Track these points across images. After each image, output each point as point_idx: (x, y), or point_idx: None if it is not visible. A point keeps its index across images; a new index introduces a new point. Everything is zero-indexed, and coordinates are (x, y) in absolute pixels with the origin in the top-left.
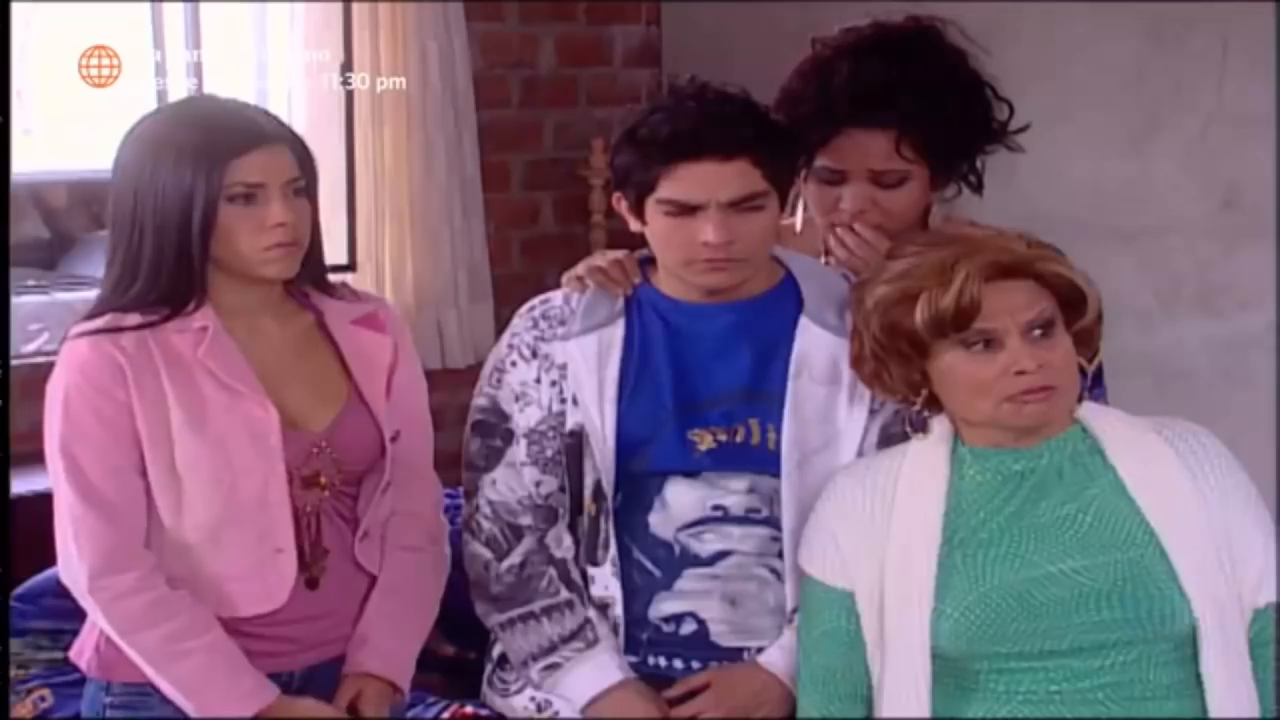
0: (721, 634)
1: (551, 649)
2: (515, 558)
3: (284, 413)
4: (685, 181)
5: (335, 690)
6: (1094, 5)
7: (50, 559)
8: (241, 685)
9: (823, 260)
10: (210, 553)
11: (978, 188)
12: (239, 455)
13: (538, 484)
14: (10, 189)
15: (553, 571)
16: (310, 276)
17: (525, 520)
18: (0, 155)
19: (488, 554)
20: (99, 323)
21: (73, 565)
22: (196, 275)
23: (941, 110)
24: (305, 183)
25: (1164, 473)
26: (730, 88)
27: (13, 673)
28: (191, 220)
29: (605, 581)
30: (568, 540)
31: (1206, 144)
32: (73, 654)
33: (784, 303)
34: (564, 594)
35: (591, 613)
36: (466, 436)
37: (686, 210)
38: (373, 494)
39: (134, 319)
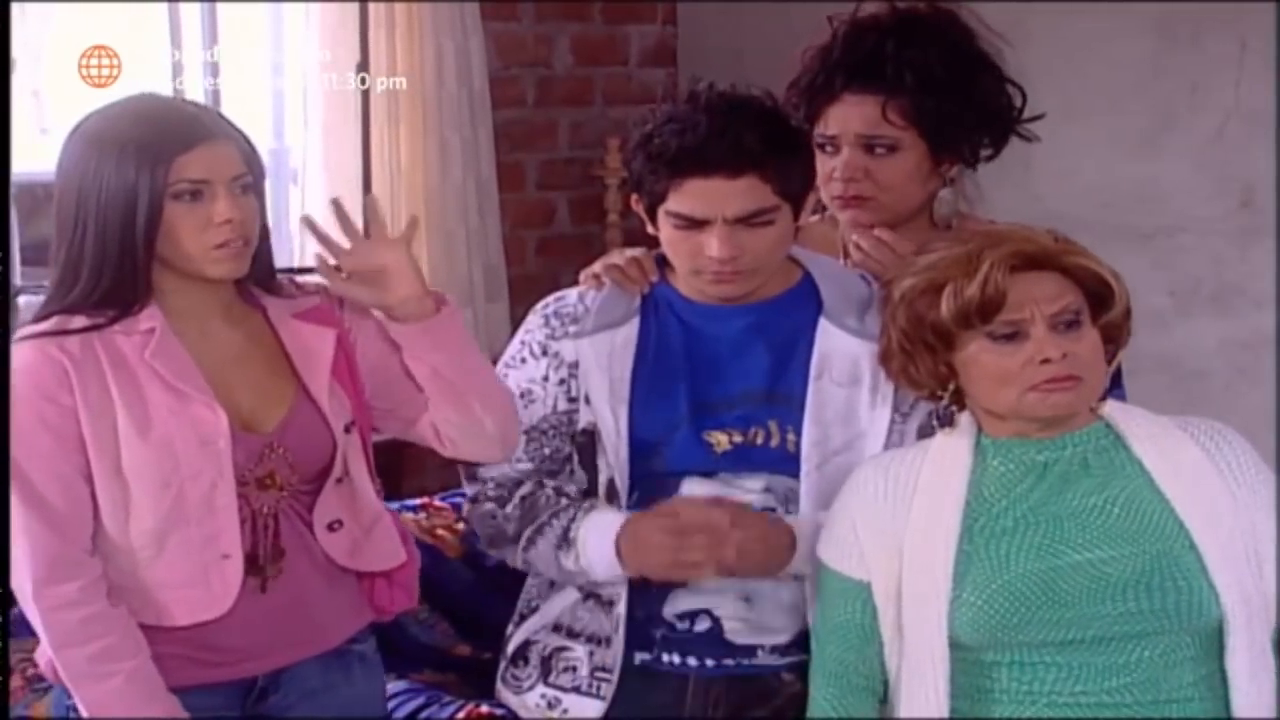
0: (735, 631)
1: (565, 535)
2: (520, 491)
3: (236, 414)
4: (692, 197)
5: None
6: (1109, 4)
7: None
8: (149, 713)
9: (841, 259)
10: (155, 558)
11: (973, 163)
12: (186, 458)
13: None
14: (11, 189)
15: (551, 492)
16: (258, 276)
17: (526, 478)
18: (0, 156)
19: (493, 505)
20: (44, 326)
21: (19, 572)
22: (141, 274)
23: (930, 77)
24: (253, 180)
25: (1191, 467)
26: (754, 90)
27: (30, 671)
28: (136, 217)
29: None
30: (574, 489)
31: (1223, 143)
32: (37, 655)
33: (802, 304)
34: (564, 502)
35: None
36: None
37: (694, 223)
38: (324, 486)
39: (80, 321)
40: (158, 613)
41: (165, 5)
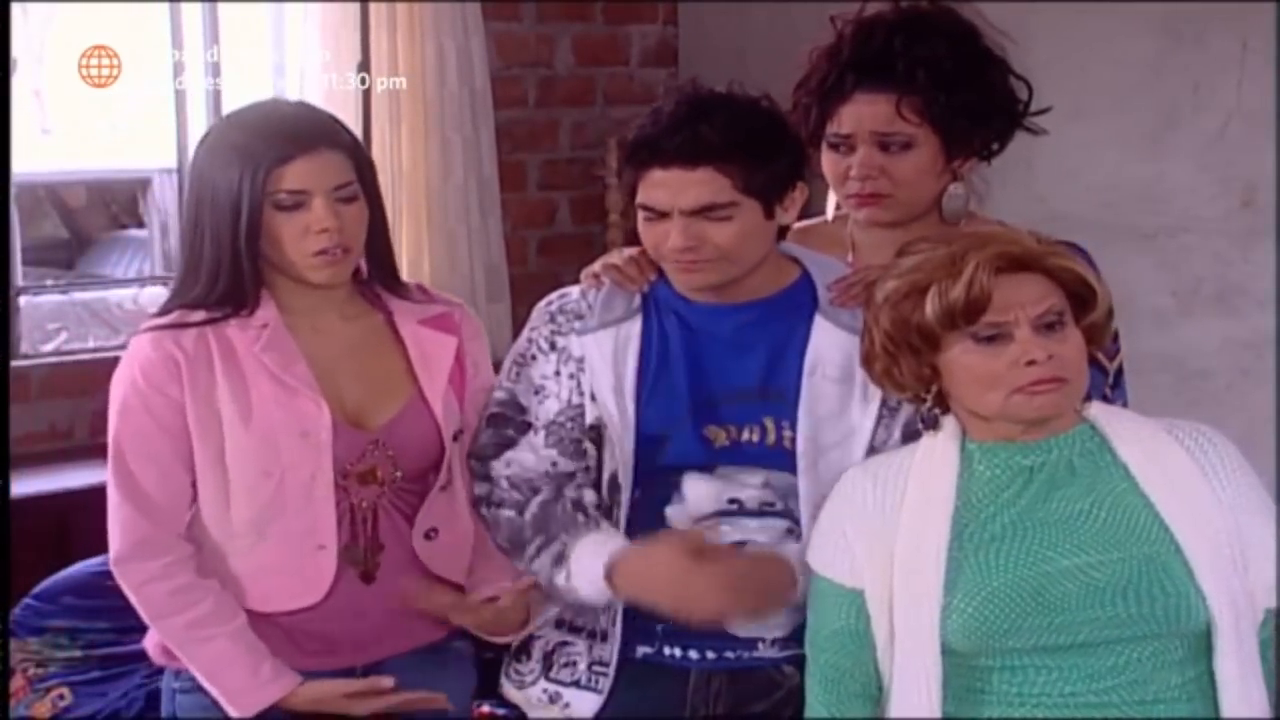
0: (736, 624)
1: (561, 553)
2: (538, 499)
3: (343, 409)
4: (653, 188)
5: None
6: (1111, 4)
7: (67, 558)
8: (261, 673)
9: (849, 256)
10: (253, 546)
11: (987, 157)
12: (288, 450)
13: (554, 464)
14: (11, 189)
15: (568, 505)
16: (380, 276)
17: (543, 483)
18: (1, 157)
19: (512, 512)
20: (165, 319)
21: (111, 548)
22: (250, 277)
23: (941, 73)
24: (362, 188)
25: (1176, 471)
26: (750, 91)
27: (32, 670)
28: (239, 224)
29: None
30: (590, 496)
31: (1225, 143)
32: (146, 642)
33: (798, 302)
34: (580, 519)
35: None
36: (479, 427)
37: (658, 215)
38: (429, 492)
39: (199, 315)
40: (252, 600)
41: (166, 5)
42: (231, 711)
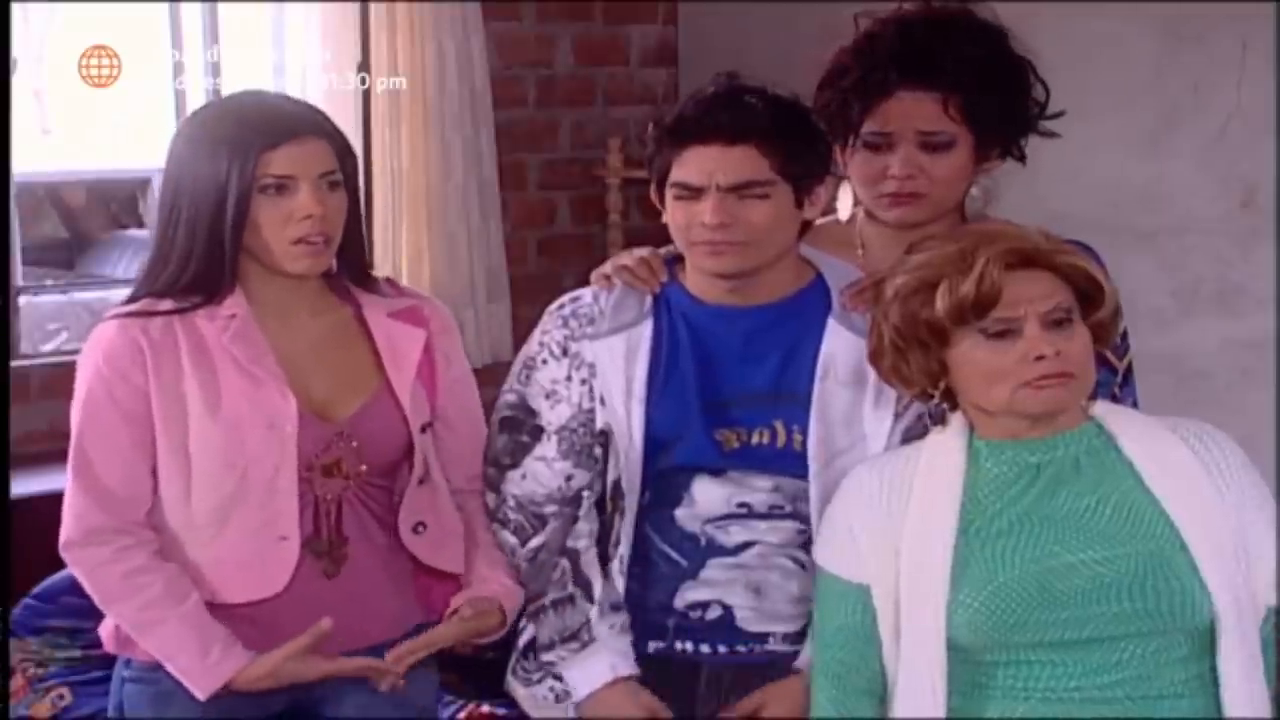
0: (746, 619)
1: (552, 645)
2: (536, 540)
3: (309, 402)
4: (691, 164)
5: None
6: (1112, 4)
7: None
8: (210, 654)
9: (859, 253)
10: (215, 537)
11: (1021, 157)
12: (253, 441)
13: (569, 478)
14: (11, 189)
15: (565, 563)
16: (350, 270)
17: (550, 509)
18: (1, 157)
19: (514, 540)
20: (132, 307)
21: (61, 533)
22: (226, 264)
23: (986, 74)
24: (344, 178)
25: (1181, 468)
26: (767, 85)
27: (31, 670)
28: (224, 209)
29: (613, 579)
30: (585, 529)
31: (1225, 143)
32: (101, 629)
33: (812, 305)
34: (569, 588)
35: (593, 612)
36: (492, 432)
37: (693, 193)
38: (406, 487)
39: (167, 304)
40: (213, 590)
41: (166, 5)
42: (194, 693)
